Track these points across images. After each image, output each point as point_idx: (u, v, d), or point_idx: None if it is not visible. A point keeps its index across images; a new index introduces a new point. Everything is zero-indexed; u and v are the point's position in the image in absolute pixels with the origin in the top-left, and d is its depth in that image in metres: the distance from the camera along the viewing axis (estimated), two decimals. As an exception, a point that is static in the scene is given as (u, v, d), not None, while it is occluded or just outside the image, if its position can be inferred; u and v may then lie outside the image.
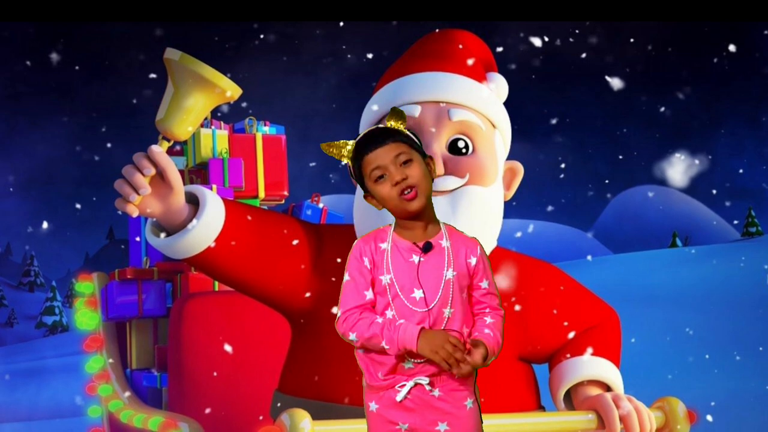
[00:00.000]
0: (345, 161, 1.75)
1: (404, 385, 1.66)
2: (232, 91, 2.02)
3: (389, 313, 1.67)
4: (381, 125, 1.74)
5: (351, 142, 1.74)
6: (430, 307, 1.66)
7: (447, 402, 1.66)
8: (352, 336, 1.67)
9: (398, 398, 1.66)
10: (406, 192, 1.68)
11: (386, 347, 1.63)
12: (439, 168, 2.18)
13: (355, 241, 1.74)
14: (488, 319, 1.69)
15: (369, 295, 1.69)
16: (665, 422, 2.19)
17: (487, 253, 2.29)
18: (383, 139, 1.70)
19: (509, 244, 2.44)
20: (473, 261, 1.71)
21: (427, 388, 1.66)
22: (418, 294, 1.67)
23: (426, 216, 1.72)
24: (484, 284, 1.71)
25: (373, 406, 1.69)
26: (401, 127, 1.72)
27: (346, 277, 1.71)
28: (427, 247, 1.69)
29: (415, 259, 1.69)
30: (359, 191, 2.34)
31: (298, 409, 1.93)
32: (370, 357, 1.69)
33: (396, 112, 1.73)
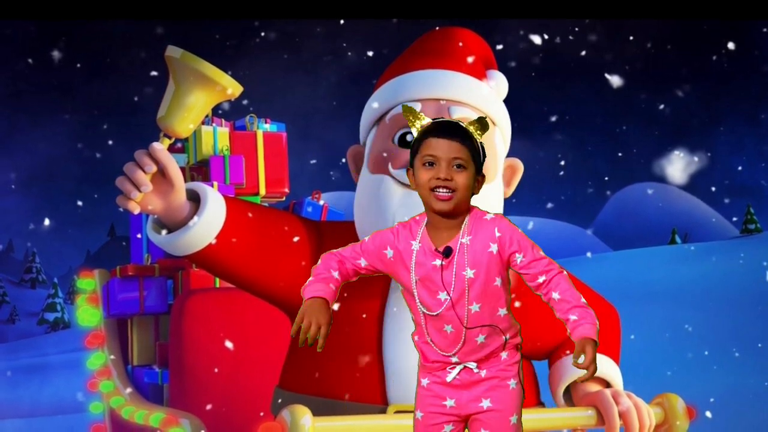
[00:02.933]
0: (413, 129, 1.76)
1: (454, 368, 1.74)
2: (232, 88, 2.03)
3: (420, 308, 1.73)
4: (463, 123, 1.74)
5: (428, 120, 1.75)
6: (455, 305, 1.72)
7: (492, 380, 1.74)
8: (311, 277, 1.76)
9: (448, 379, 1.74)
10: (440, 191, 1.69)
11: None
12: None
13: (397, 225, 1.78)
14: (556, 295, 1.70)
15: (362, 262, 1.76)
16: (664, 418, 2.20)
17: None
18: (455, 134, 1.71)
19: (509, 241, 2.44)
20: (494, 248, 1.71)
21: (475, 370, 1.73)
22: (443, 295, 1.72)
23: (455, 218, 1.74)
24: (519, 258, 1.71)
25: (424, 381, 1.77)
26: (477, 137, 1.73)
27: (369, 237, 1.78)
28: (447, 252, 1.71)
29: (438, 263, 1.72)
30: (360, 189, 2.35)
31: (298, 405, 1.94)
32: (425, 342, 1.75)
33: (482, 121, 1.74)
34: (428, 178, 1.70)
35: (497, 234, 1.72)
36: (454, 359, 1.74)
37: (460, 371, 1.74)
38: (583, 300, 1.71)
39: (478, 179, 1.75)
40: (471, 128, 1.73)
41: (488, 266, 1.72)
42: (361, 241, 1.79)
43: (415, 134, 1.75)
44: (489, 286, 1.72)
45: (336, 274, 1.75)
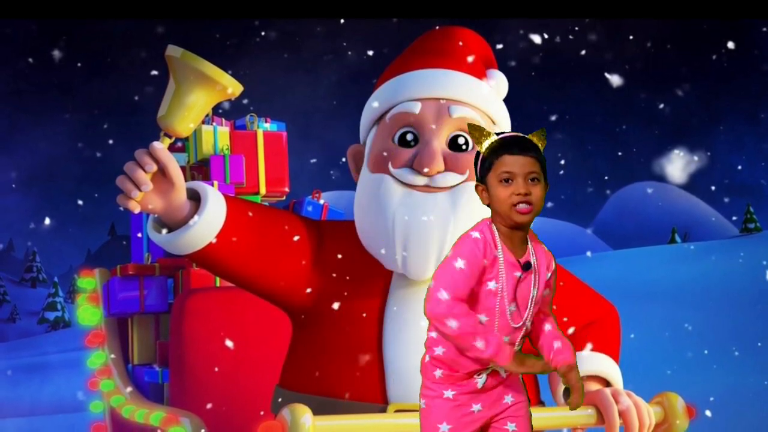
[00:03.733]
0: (479, 148, 1.78)
1: (481, 375, 1.76)
2: (233, 87, 2.03)
3: (483, 318, 1.74)
4: (527, 137, 1.78)
5: (494, 136, 1.78)
6: (522, 321, 1.76)
7: (511, 378, 1.79)
8: (452, 323, 1.69)
9: (479, 385, 1.76)
10: (521, 205, 1.73)
11: (480, 348, 1.68)
12: (439, 165, 2.20)
13: (472, 233, 1.75)
14: (548, 326, 1.80)
15: (468, 292, 1.73)
16: (664, 417, 2.20)
17: None
18: (528, 150, 1.75)
19: (509, 240, 2.45)
20: (549, 275, 1.81)
21: (503, 375, 1.77)
22: (511, 308, 1.75)
23: (526, 232, 1.78)
24: (546, 292, 1.81)
25: (448, 393, 1.76)
26: (541, 147, 1.78)
27: (460, 263, 1.72)
28: (526, 267, 1.76)
29: (518, 275, 1.75)
30: (360, 188, 2.35)
31: (299, 404, 1.94)
32: (449, 357, 1.75)
33: (542, 133, 1.78)
34: (508, 194, 1.74)
35: (553, 266, 1.82)
36: (493, 365, 1.75)
37: (488, 376, 1.76)
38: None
39: (546, 188, 1.79)
40: (535, 140, 1.77)
41: (542, 290, 1.80)
42: (463, 275, 1.73)
43: (484, 151, 1.78)
44: (538, 306, 1.80)
45: (478, 319, 1.75)
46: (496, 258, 1.75)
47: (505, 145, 1.76)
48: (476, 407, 1.76)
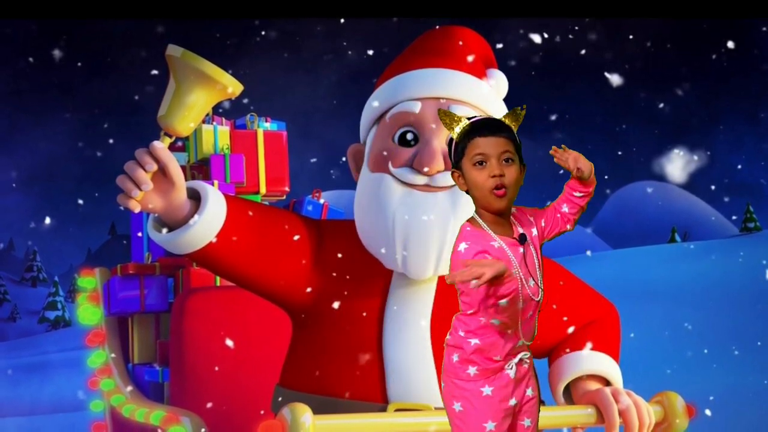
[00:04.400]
0: (452, 135, 1.78)
1: (511, 362, 1.76)
2: (233, 87, 2.03)
3: (503, 303, 1.73)
4: (498, 118, 1.77)
5: (466, 121, 1.77)
6: (539, 292, 1.76)
7: (531, 368, 1.81)
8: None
9: (512, 375, 1.76)
10: (498, 188, 1.72)
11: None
12: (440, 164, 2.20)
13: (458, 247, 1.75)
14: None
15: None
16: (664, 416, 2.20)
17: None
18: (499, 130, 1.74)
19: (509, 239, 2.44)
20: (535, 232, 1.78)
21: (527, 361, 1.78)
22: (530, 282, 1.75)
23: (507, 213, 1.78)
24: (543, 221, 1.80)
25: (487, 390, 1.75)
26: (514, 128, 1.77)
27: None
28: (522, 239, 1.76)
29: (521, 250, 1.75)
30: (360, 188, 2.36)
31: (299, 403, 1.94)
32: (500, 336, 1.74)
33: (515, 113, 1.77)
34: (484, 177, 1.73)
35: (530, 219, 1.79)
36: (520, 342, 1.76)
37: (517, 363, 1.77)
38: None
39: (521, 169, 1.78)
40: (507, 121, 1.76)
41: (540, 249, 1.79)
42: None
43: (456, 137, 1.77)
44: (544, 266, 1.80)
45: None
46: (500, 247, 1.74)
47: (476, 128, 1.75)
48: (512, 401, 1.77)
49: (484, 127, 1.75)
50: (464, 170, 1.76)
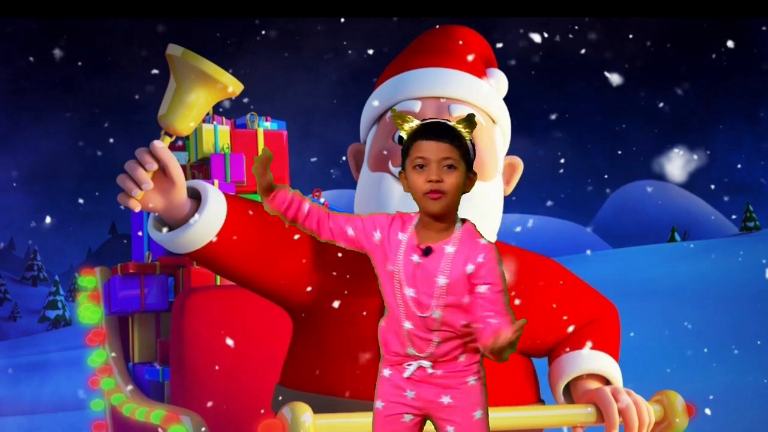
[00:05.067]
0: (402, 133, 1.77)
1: (411, 365, 1.74)
2: (233, 86, 2.03)
3: (391, 300, 1.74)
4: (451, 123, 1.75)
5: (417, 122, 1.76)
6: (429, 312, 1.71)
7: (449, 379, 1.73)
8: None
9: (405, 375, 1.74)
10: (433, 192, 1.70)
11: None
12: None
13: (396, 213, 1.78)
14: (493, 321, 1.66)
15: (349, 230, 1.77)
16: (664, 416, 2.20)
17: None
18: (443, 136, 1.72)
19: (509, 238, 2.46)
20: (470, 269, 1.70)
21: (429, 371, 1.73)
22: (410, 291, 1.72)
23: (446, 220, 1.73)
24: (482, 289, 1.70)
25: (386, 372, 1.77)
26: (467, 135, 1.74)
27: (367, 215, 1.79)
28: (426, 252, 1.72)
29: (415, 258, 1.72)
30: (360, 187, 2.36)
31: (299, 402, 1.94)
32: (389, 331, 1.76)
33: (470, 120, 1.75)
34: (421, 181, 1.71)
35: (480, 260, 1.71)
36: (410, 350, 1.73)
37: (416, 369, 1.74)
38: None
39: (470, 176, 1.75)
40: (459, 127, 1.74)
41: (461, 283, 1.71)
42: (358, 215, 1.81)
43: (405, 137, 1.76)
44: (457, 300, 1.72)
45: (309, 207, 1.79)
46: (399, 242, 1.74)
47: (420, 132, 1.73)
48: (410, 393, 1.74)
49: (428, 131, 1.73)
50: (407, 171, 1.75)
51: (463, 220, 1.75)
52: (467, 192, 1.75)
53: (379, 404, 1.77)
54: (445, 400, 1.73)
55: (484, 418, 1.74)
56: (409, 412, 1.75)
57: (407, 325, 1.73)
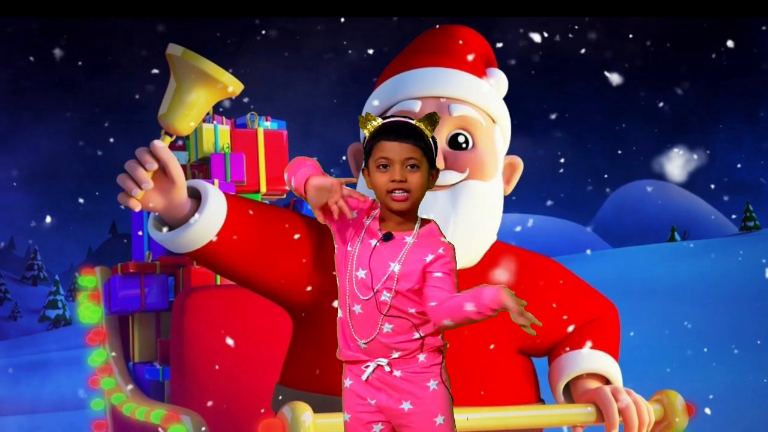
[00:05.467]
0: (365, 132, 1.79)
1: (368, 366, 1.74)
2: (233, 86, 2.03)
3: (342, 282, 1.78)
4: (412, 121, 1.76)
5: (379, 121, 1.77)
6: (371, 294, 1.73)
7: (409, 382, 1.73)
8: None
9: (363, 377, 1.75)
10: (396, 192, 1.73)
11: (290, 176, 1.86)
12: (440, 163, 2.20)
13: (368, 199, 1.80)
14: (433, 304, 1.70)
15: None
16: (664, 415, 2.20)
17: (487, 247, 2.31)
18: (405, 136, 1.73)
19: (509, 238, 2.46)
20: (429, 258, 1.73)
21: (387, 369, 1.73)
22: (361, 273, 1.74)
23: (408, 215, 1.76)
24: (438, 275, 1.72)
25: (347, 382, 1.78)
26: (429, 133, 1.75)
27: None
28: (386, 237, 1.75)
29: (373, 242, 1.75)
30: (360, 187, 2.36)
31: (299, 401, 1.95)
32: (343, 321, 1.77)
33: (431, 118, 1.76)
34: (384, 180, 1.73)
35: (440, 251, 1.74)
36: (362, 345, 1.73)
37: (374, 370, 1.74)
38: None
39: (432, 173, 1.77)
40: (421, 125, 1.75)
41: (415, 273, 1.73)
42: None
43: (367, 136, 1.78)
44: (408, 287, 1.73)
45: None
46: (362, 225, 1.78)
47: (383, 131, 1.75)
48: (371, 401, 1.74)
49: (391, 131, 1.74)
50: (370, 170, 1.77)
51: (429, 221, 1.78)
52: (431, 188, 1.77)
53: (346, 416, 1.78)
54: (406, 406, 1.72)
55: (447, 424, 1.73)
56: (378, 420, 1.75)
57: (356, 309, 1.75)
